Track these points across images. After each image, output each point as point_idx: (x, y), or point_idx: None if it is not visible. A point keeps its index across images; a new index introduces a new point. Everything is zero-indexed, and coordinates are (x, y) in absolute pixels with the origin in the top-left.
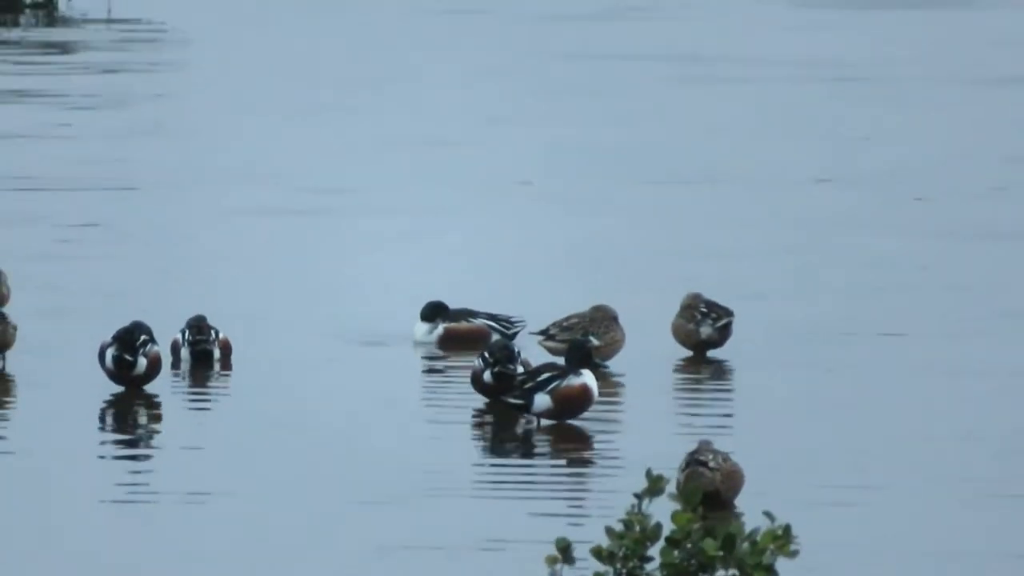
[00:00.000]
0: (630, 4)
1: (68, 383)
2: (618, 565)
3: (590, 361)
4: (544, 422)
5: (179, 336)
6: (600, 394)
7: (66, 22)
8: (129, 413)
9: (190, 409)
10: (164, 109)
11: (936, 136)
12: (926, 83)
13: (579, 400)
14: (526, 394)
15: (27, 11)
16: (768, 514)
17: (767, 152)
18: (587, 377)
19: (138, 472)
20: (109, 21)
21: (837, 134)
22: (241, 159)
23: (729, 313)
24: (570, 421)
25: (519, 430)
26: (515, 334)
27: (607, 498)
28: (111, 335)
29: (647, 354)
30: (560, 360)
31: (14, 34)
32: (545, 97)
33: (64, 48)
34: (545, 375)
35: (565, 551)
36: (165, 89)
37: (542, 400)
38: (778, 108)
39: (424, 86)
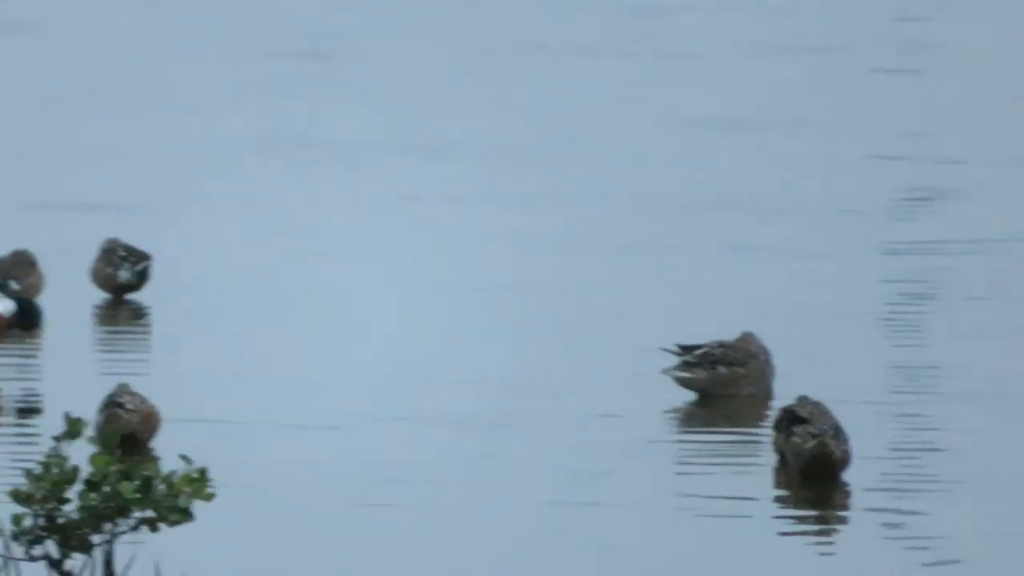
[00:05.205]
0: None
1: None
2: (36, 507)
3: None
4: None
5: None
6: (10, 339)
7: None
8: None
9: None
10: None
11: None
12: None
13: None
14: None
15: None
16: (185, 457)
17: None
18: None
19: None
20: None
21: None
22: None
23: (147, 257)
24: None
25: None
26: None
27: (25, 442)
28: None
29: (66, 297)
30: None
31: None
32: None
33: None
34: None
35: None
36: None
37: None
38: None
39: None
